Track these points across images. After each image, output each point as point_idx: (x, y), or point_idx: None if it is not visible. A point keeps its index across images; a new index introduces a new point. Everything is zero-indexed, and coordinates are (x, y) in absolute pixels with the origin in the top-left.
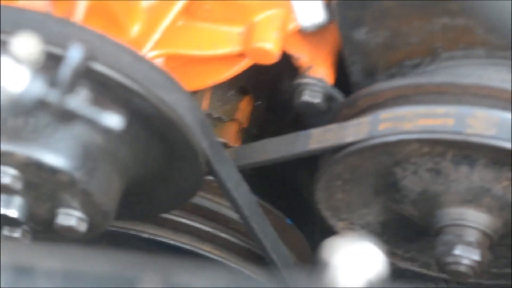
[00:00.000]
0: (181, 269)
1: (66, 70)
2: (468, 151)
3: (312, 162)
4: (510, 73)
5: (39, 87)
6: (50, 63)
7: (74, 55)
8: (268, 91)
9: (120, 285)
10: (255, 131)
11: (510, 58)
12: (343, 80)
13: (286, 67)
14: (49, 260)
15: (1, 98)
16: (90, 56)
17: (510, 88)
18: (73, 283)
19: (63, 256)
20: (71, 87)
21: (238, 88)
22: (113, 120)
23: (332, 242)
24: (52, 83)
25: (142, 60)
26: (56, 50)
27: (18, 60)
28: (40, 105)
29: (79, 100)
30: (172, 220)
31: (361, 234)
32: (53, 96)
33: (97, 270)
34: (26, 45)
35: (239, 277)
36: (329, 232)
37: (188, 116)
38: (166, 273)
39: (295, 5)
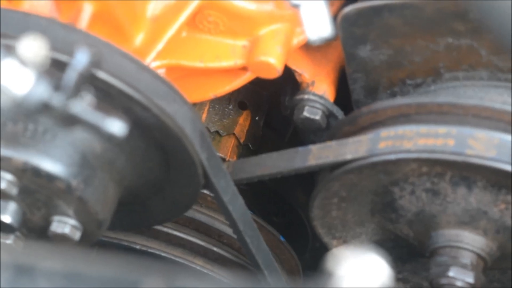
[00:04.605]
0: (183, 274)
1: (71, 74)
2: (467, 173)
3: (308, 179)
4: (511, 95)
5: (43, 90)
6: (54, 69)
7: (81, 59)
8: (268, 106)
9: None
10: (251, 147)
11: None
12: (342, 97)
13: (287, 82)
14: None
15: (4, 100)
16: (96, 61)
17: (510, 110)
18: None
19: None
20: (75, 92)
21: (237, 102)
22: (116, 126)
23: (338, 252)
24: (57, 87)
25: (145, 69)
26: (61, 55)
27: (23, 62)
28: (44, 108)
29: (83, 105)
30: (165, 233)
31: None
32: (57, 99)
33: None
34: (32, 47)
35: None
36: (319, 251)
37: (188, 127)
38: (169, 276)
39: (304, 17)
